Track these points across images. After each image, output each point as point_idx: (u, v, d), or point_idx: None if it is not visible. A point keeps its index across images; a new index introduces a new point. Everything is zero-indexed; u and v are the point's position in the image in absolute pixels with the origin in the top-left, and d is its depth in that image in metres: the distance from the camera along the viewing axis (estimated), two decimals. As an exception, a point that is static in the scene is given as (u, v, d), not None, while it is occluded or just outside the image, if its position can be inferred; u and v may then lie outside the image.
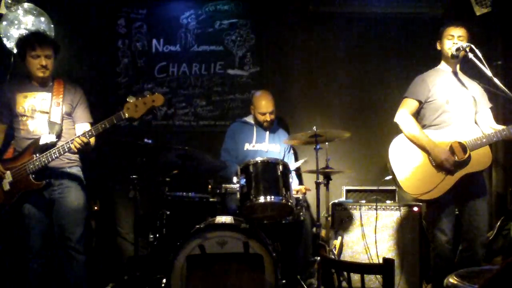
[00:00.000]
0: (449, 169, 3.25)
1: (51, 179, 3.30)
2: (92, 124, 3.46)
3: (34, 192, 3.25)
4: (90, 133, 3.16)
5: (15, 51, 4.12)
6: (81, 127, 3.45)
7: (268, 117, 4.26)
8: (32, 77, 3.39)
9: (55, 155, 3.18)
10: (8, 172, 3.24)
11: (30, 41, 3.31)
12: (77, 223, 3.37)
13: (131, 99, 3.11)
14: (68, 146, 3.15)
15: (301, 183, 4.50)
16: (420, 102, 3.47)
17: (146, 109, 3.12)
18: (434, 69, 3.59)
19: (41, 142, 3.24)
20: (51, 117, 3.34)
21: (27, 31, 3.76)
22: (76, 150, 3.17)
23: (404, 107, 3.49)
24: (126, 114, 3.11)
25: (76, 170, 3.47)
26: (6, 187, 3.23)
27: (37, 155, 3.19)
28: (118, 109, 3.13)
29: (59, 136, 3.33)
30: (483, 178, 3.46)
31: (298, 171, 4.52)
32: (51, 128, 3.32)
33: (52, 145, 3.23)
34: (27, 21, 4.11)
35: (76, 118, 3.49)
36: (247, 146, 4.28)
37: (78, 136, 3.16)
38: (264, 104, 4.26)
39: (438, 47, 3.56)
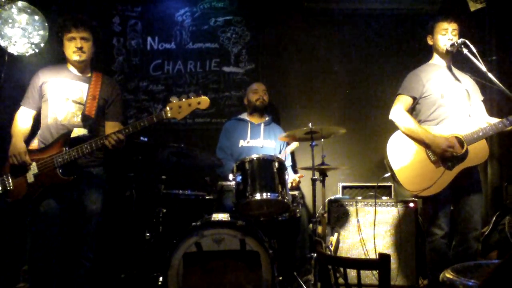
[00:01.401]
0: (452, 157, 3.24)
1: (75, 175, 3.13)
2: (122, 123, 3.37)
3: (56, 190, 3.11)
4: (127, 130, 3.04)
5: (9, 49, 4.11)
6: (112, 125, 3.33)
7: (261, 93, 4.35)
8: (69, 62, 3.28)
9: (87, 150, 3.03)
10: (34, 163, 3.10)
11: (65, 23, 3.21)
12: (92, 229, 3.26)
13: (173, 99, 3.01)
14: (101, 142, 3.02)
15: (295, 171, 4.51)
16: (414, 98, 3.47)
17: (190, 111, 3.03)
18: (426, 64, 3.59)
19: (73, 135, 3.11)
20: (86, 110, 3.22)
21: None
22: (110, 147, 3.03)
23: (398, 103, 3.48)
24: (169, 114, 3.01)
25: (100, 170, 3.36)
26: (31, 179, 3.09)
27: (67, 148, 3.05)
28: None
29: (91, 131, 3.20)
30: (478, 173, 3.47)
31: (294, 167, 4.53)
32: (85, 121, 3.20)
33: (84, 139, 3.09)
34: (21, 19, 4.08)
35: (109, 116, 3.37)
36: (241, 143, 4.28)
37: (114, 133, 3.03)
38: (256, 85, 4.43)
39: (430, 42, 3.56)
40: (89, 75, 3.34)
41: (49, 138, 3.20)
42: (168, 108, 3.02)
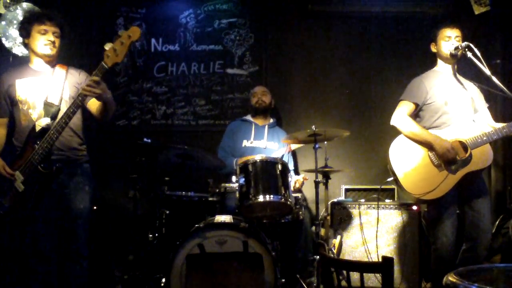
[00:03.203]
0: (455, 160, 3.23)
1: (56, 165, 3.05)
2: None
3: (46, 193, 3.06)
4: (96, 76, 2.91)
5: (14, 50, 4.12)
6: (94, 102, 3.20)
7: (259, 95, 4.39)
8: (37, 55, 3.20)
9: (55, 136, 2.96)
10: (17, 172, 3.02)
11: (38, 15, 3.15)
12: (83, 226, 3.22)
13: (107, 46, 2.90)
14: (75, 104, 2.93)
15: (297, 173, 4.51)
16: (417, 105, 3.46)
17: (127, 48, 2.90)
18: (430, 70, 3.58)
19: (38, 129, 3.05)
20: (48, 98, 3.14)
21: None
22: (92, 94, 2.91)
23: (400, 109, 3.48)
24: (108, 63, 2.89)
25: (86, 167, 3.30)
26: (21, 187, 3.02)
27: (38, 143, 2.99)
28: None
29: (54, 118, 3.09)
30: (483, 178, 3.45)
31: (297, 170, 4.53)
32: (47, 110, 3.11)
33: (48, 128, 3.00)
34: (26, 20, 4.10)
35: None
36: (245, 143, 4.29)
37: (89, 80, 2.92)
38: (258, 88, 4.47)
39: (433, 49, 3.55)
40: (53, 66, 3.27)
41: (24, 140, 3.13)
42: (105, 57, 2.90)
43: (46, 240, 3.16)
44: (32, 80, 3.21)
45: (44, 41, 3.17)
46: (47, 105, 3.14)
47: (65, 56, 3.37)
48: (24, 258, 3.27)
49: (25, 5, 4.17)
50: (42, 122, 3.09)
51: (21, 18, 4.06)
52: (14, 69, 3.29)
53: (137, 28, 2.92)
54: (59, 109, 3.14)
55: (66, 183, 3.18)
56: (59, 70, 3.27)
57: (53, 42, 3.19)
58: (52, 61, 3.28)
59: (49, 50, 3.19)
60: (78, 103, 2.97)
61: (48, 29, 3.17)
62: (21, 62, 3.51)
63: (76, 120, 3.24)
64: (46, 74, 3.24)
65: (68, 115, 2.98)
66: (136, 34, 2.90)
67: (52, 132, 2.97)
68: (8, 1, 4.19)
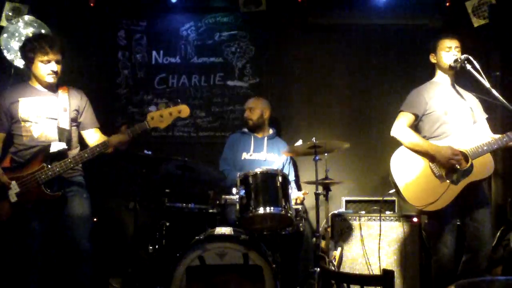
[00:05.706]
0: (457, 168, 3.23)
1: (62, 190, 3.14)
2: (99, 129, 3.44)
3: (42, 206, 3.10)
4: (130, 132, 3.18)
5: (15, 62, 4.14)
6: (93, 132, 3.40)
7: (246, 113, 4.39)
8: (38, 81, 3.26)
9: (72, 165, 3.08)
10: (14, 182, 3.04)
11: (41, 45, 3.17)
12: (84, 234, 3.24)
13: (152, 109, 3.11)
14: (105, 145, 3.12)
15: (298, 185, 4.50)
16: (416, 116, 3.47)
17: (172, 120, 3.14)
18: (429, 81, 3.60)
19: (52, 150, 3.10)
20: (60, 123, 3.22)
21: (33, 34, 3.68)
22: (122, 145, 3.17)
23: (400, 120, 3.49)
24: (150, 125, 3.13)
25: (81, 179, 3.35)
26: (14, 198, 3.02)
27: (48, 164, 3.04)
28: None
29: (68, 142, 3.22)
30: (484, 188, 3.46)
31: (297, 182, 4.53)
32: (61, 134, 3.20)
33: (63, 153, 3.11)
34: (27, 33, 4.13)
35: (87, 124, 3.41)
36: (244, 155, 4.29)
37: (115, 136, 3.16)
38: (247, 104, 4.46)
39: (433, 60, 3.57)
40: (55, 89, 3.32)
41: (27, 154, 3.17)
42: (149, 118, 3.12)
43: (39, 255, 3.17)
44: (36, 99, 3.26)
45: (48, 71, 3.21)
46: (60, 130, 3.22)
47: (65, 68, 3.39)
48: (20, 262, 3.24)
49: (26, 18, 4.20)
50: (58, 146, 3.15)
51: (23, 31, 4.10)
52: (17, 87, 3.36)
53: (187, 108, 3.18)
54: (71, 134, 3.27)
55: (62, 193, 3.18)
56: (62, 92, 3.33)
57: (56, 72, 3.23)
58: (54, 85, 3.33)
59: (51, 79, 3.25)
60: (106, 146, 3.14)
61: (51, 59, 3.20)
62: (22, 77, 3.55)
63: (73, 139, 3.35)
64: (50, 95, 3.30)
65: (93, 152, 3.12)
66: (186, 113, 3.18)
67: (70, 160, 3.09)
68: (10, 14, 4.22)
